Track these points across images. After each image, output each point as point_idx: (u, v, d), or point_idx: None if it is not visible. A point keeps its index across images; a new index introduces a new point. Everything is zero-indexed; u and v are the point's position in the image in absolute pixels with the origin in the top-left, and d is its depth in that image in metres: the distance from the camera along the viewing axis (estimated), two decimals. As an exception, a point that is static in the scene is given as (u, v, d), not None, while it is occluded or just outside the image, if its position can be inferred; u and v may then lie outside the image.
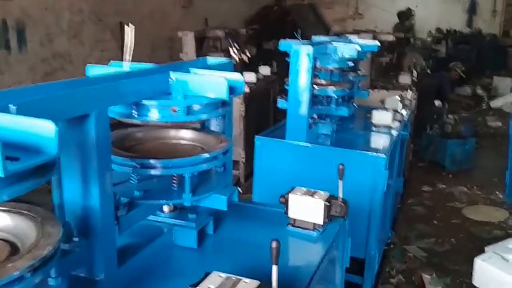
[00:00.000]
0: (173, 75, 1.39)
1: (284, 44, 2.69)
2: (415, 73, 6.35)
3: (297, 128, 2.66)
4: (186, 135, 1.58)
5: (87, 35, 7.92)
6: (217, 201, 1.47)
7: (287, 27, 7.68)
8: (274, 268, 1.09)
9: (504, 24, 11.06)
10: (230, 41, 5.32)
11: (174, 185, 1.41)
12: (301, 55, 2.55)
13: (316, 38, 3.15)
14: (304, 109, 2.64)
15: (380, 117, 3.16)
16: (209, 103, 1.40)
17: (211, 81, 1.38)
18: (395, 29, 8.55)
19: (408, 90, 4.09)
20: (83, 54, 8.38)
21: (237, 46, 5.30)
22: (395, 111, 3.18)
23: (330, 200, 1.58)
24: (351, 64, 3.15)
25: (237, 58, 4.55)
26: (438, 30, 10.51)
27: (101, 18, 6.87)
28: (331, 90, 2.89)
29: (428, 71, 8.24)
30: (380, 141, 2.97)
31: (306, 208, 1.61)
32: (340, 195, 1.59)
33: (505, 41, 10.67)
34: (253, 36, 6.17)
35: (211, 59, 1.69)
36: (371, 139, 3.06)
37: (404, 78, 5.98)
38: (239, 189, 1.68)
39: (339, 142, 2.85)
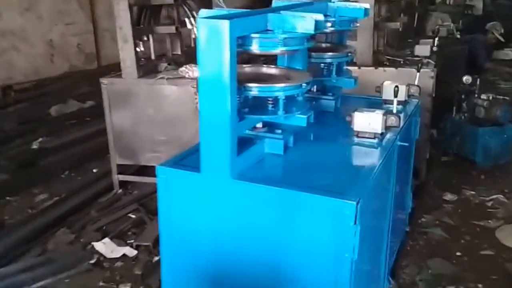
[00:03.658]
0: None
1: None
2: (436, 40, 5.53)
3: (214, 152, 2.16)
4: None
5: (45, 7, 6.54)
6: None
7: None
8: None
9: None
10: (187, 9, 4.81)
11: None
12: (215, 34, 1.98)
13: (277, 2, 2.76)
14: (224, 120, 2.09)
15: (365, 120, 2.63)
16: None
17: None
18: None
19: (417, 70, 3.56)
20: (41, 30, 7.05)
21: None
22: (389, 113, 2.71)
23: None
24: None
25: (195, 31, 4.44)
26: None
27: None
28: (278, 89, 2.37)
29: (458, 35, 7.61)
30: (358, 165, 2.56)
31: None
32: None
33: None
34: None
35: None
36: (345, 163, 2.58)
37: (422, 49, 5.28)
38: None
39: (290, 173, 2.39)
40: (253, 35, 2.19)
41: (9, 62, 8.34)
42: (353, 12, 2.94)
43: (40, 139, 6.06)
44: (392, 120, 2.65)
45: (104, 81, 4.48)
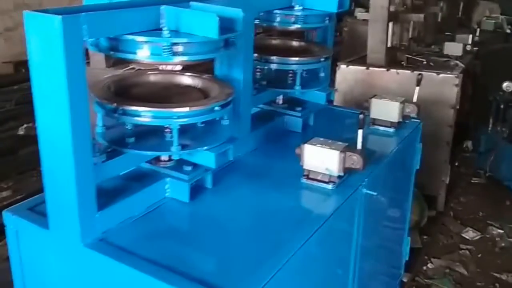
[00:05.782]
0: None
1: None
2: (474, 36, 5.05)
3: (59, 204, 1.59)
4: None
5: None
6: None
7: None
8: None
9: None
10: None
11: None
12: (43, 37, 1.44)
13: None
14: (67, 161, 1.51)
15: (317, 157, 2.01)
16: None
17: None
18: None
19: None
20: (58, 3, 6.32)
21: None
22: (350, 149, 2.05)
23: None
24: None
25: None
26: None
27: None
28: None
29: (508, 29, 6.67)
30: (289, 229, 1.85)
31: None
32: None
33: None
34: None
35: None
36: (272, 223, 1.87)
37: (452, 47, 4.60)
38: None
39: (180, 238, 1.75)
40: (134, 37, 1.61)
41: (23, 37, 8.12)
42: (322, 2, 2.32)
43: (26, 125, 5.67)
44: (353, 161, 1.99)
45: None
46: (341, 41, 6.98)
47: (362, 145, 2.10)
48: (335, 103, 3.98)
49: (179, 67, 1.93)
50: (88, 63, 4.20)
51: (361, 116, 2.06)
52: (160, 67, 1.90)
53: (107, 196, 1.72)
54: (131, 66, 3.98)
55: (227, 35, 1.80)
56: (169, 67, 1.92)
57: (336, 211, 1.94)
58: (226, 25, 1.75)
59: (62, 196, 1.56)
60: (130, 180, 1.86)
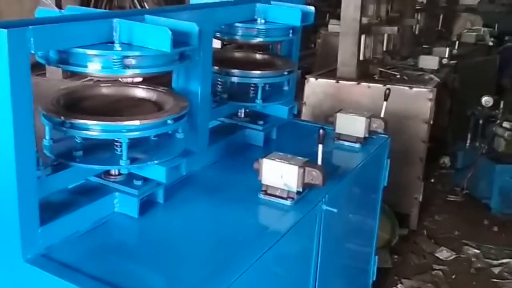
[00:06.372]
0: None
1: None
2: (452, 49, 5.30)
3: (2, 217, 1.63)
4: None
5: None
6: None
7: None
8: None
9: None
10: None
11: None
12: None
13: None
14: (9, 173, 1.56)
15: (275, 172, 2.05)
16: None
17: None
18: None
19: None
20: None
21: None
22: (310, 165, 2.09)
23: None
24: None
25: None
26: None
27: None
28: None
29: (491, 42, 6.90)
30: (242, 243, 1.88)
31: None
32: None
33: None
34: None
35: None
36: (226, 240, 1.92)
37: (428, 61, 4.77)
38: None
39: (123, 256, 1.77)
40: (84, 50, 1.66)
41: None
42: (285, 16, 2.39)
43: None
44: (313, 176, 2.05)
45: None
46: (314, 53, 7.11)
47: (322, 161, 2.15)
48: (303, 117, 4.08)
49: (138, 79, 2.01)
50: (44, 73, 4.25)
51: (321, 131, 2.12)
52: (120, 79, 1.93)
53: (53, 210, 1.74)
54: (89, 78, 4.04)
55: (180, 48, 1.86)
56: (129, 79, 2.02)
57: (293, 227, 1.97)
58: (180, 38, 1.82)
59: (2, 209, 1.58)
60: (78, 194, 1.89)
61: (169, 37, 1.69)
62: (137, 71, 1.77)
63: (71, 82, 4.05)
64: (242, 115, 2.68)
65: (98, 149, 1.87)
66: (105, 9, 4.56)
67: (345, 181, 2.42)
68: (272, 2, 2.58)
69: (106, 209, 1.88)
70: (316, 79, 4.25)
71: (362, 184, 2.77)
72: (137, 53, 1.75)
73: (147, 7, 4.59)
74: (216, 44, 2.87)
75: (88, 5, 4.53)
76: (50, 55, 1.73)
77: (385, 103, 2.80)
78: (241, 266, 1.69)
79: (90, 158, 1.81)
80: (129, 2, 4.54)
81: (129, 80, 1.98)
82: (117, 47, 1.73)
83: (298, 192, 2.07)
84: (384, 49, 4.88)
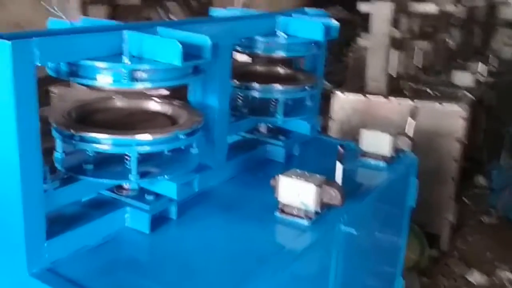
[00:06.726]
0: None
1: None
2: (485, 67, 4.94)
3: (5, 231, 1.62)
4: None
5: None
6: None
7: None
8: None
9: None
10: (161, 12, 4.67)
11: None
12: None
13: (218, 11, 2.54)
14: (14, 189, 1.55)
15: (292, 190, 1.98)
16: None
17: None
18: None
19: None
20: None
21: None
22: (328, 183, 2.01)
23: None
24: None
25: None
26: None
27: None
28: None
29: None
30: (253, 267, 1.78)
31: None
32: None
33: None
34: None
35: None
36: (236, 262, 1.85)
37: (462, 77, 4.64)
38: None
39: (130, 274, 1.73)
40: (92, 63, 1.64)
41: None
42: (307, 30, 2.34)
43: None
44: (331, 195, 1.95)
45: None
46: (346, 66, 7.03)
47: (343, 179, 2.06)
48: (331, 133, 4.04)
49: (164, 92, 1.98)
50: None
51: (340, 148, 2.02)
52: (145, 91, 1.92)
53: (62, 223, 1.72)
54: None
55: (192, 62, 1.82)
56: (154, 92, 1.99)
57: (309, 248, 1.92)
58: (192, 51, 1.78)
59: (8, 221, 1.57)
60: (89, 208, 1.87)
61: (179, 50, 1.66)
62: (147, 84, 1.74)
63: (93, 93, 4.06)
64: (265, 131, 2.63)
65: (110, 163, 1.86)
66: (132, 21, 4.56)
67: (367, 201, 2.34)
68: (293, 15, 2.53)
69: (117, 224, 1.86)
70: (344, 93, 4.21)
71: (387, 204, 2.66)
72: (146, 67, 1.73)
73: (174, 19, 4.59)
74: (243, 58, 2.88)
75: (114, 17, 4.54)
76: (60, 67, 1.72)
77: (412, 121, 2.71)
78: (256, 285, 1.65)
79: (100, 172, 1.80)
80: (157, 14, 4.56)
81: (154, 92, 1.99)
82: (126, 60, 1.71)
83: (316, 212, 1.99)
84: (417, 64, 4.84)
